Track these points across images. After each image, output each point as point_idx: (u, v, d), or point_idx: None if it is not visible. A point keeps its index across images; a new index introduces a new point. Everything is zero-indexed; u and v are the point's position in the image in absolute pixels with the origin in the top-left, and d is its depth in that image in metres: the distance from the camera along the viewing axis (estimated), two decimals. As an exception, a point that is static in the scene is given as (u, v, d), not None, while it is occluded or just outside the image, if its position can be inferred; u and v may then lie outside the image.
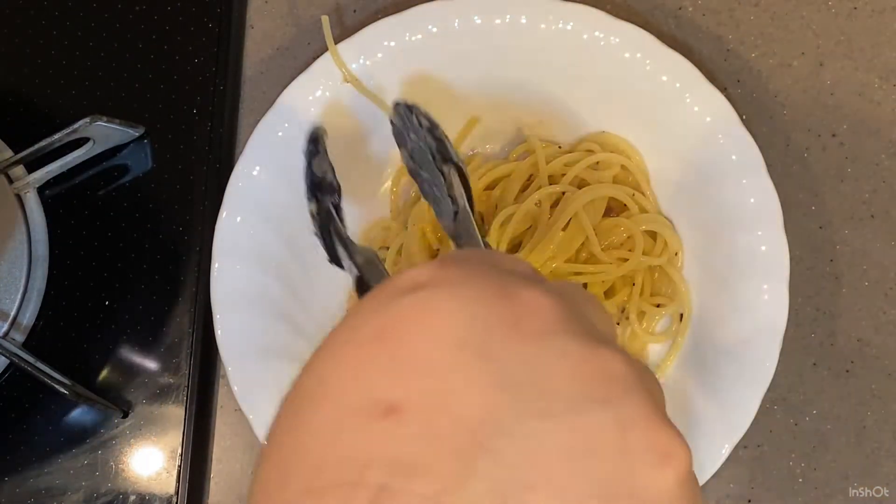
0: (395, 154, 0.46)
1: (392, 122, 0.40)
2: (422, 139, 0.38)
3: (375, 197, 0.47)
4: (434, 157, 0.38)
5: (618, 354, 0.22)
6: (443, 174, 0.37)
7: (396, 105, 0.41)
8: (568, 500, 0.19)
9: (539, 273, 0.26)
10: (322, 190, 0.38)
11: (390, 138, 0.45)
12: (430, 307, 0.21)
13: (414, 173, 0.40)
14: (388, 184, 0.47)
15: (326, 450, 0.20)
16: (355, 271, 0.36)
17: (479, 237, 0.36)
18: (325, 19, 0.43)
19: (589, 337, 0.22)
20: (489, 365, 0.20)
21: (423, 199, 0.46)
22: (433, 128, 0.39)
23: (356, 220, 0.47)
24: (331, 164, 0.40)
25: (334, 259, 0.38)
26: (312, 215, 0.39)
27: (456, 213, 0.37)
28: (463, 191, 0.37)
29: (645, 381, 0.22)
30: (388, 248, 0.46)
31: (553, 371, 0.21)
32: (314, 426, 0.21)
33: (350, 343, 0.22)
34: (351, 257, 0.37)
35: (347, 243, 0.37)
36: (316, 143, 0.40)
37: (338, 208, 0.38)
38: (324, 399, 0.21)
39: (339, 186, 0.39)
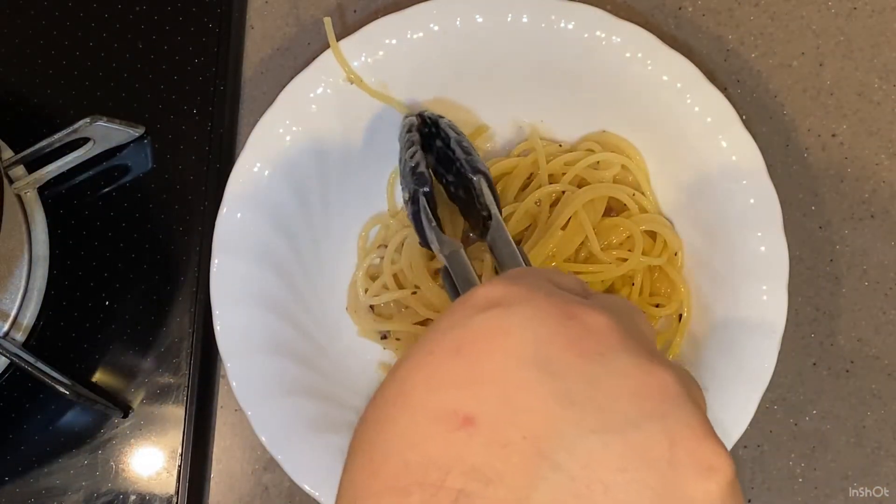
0: (394, 152, 0.46)
1: (418, 130, 0.43)
2: (450, 148, 0.41)
3: (375, 194, 0.47)
4: (463, 167, 0.40)
5: (670, 371, 0.24)
6: (472, 182, 0.40)
7: (421, 115, 0.43)
8: None
9: (590, 288, 0.29)
10: (413, 178, 0.40)
11: (390, 136, 0.46)
12: (502, 326, 0.24)
13: (440, 176, 0.43)
14: (386, 182, 0.47)
15: (410, 452, 0.22)
16: (443, 260, 0.38)
17: (514, 243, 0.38)
18: (327, 21, 0.43)
19: (643, 354, 0.24)
20: (554, 383, 0.23)
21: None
22: (461, 139, 0.41)
23: (356, 216, 0.47)
24: (424, 155, 0.41)
25: (424, 243, 0.40)
26: (405, 201, 0.41)
27: (487, 219, 0.39)
28: (493, 198, 0.39)
29: (692, 392, 0.24)
30: (386, 247, 0.46)
31: (612, 389, 0.23)
32: (399, 429, 0.23)
33: (432, 355, 0.24)
34: (439, 246, 0.39)
35: (436, 233, 0.39)
36: (409, 132, 0.42)
37: (428, 198, 0.40)
38: (407, 405, 0.23)
39: (432, 177, 0.41)
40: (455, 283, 0.38)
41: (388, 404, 0.24)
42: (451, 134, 0.41)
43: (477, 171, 0.40)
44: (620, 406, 0.23)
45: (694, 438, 0.23)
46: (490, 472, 0.21)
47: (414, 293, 0.45)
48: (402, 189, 0.41)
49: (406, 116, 0.43)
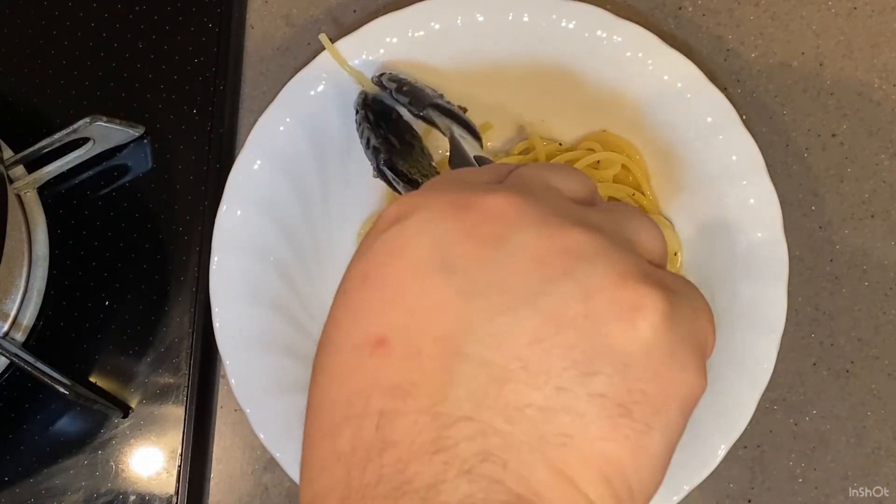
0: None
1: (364, 106, 0.44)
2: (401, 94, 0.43)
3: (375, 192, 0.47)
4: (413, 113, 0.43)
5: (575, 227, 0.22)
6: (426, 120, 0.43)
7: (372, 79, 0.44)
8: (544, 380, 0.20)
9: (512, 168, 0.27)
10: (372, 155, 0.42)
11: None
12: (399, 241, 0.23)
13: (426, 121, 0.44)
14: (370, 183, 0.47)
15: (336, 391, 0.22)
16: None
17: (465, 150, 0.39)
18: (323, 38, 0.43)
19: (548, 221, 0.22)
20: (455, 279, 0.21)
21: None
22: (399, 86, 0.43)
23: (356, 214, 0.47)
24: (371, 130, 0.43)
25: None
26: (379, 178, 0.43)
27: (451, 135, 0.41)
28: (448, 120, 0.41)
29: (619, 239, 0.23)
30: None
31: (513, 266, 0.22)
32: (327, 373, 0.23)
33: (344, 291, 0.24)
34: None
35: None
36: (357, 114, 0.43)
37: (390, 164, 0.42)
38: (330, 347, 0.23)
39: (383, 146, 0.42)
40: None
41: (320, 350, 0.24)
42: (390, 84, 0.43)
43: (425, 106, 0.42)
44: (523, 280, 0.21)
45: (610, 285, 0.21)
46: (407, 385, 0.21)
47: None
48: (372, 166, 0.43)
49: (358, 95, 0.44)
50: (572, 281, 0.21)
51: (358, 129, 0.43)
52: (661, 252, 0.25)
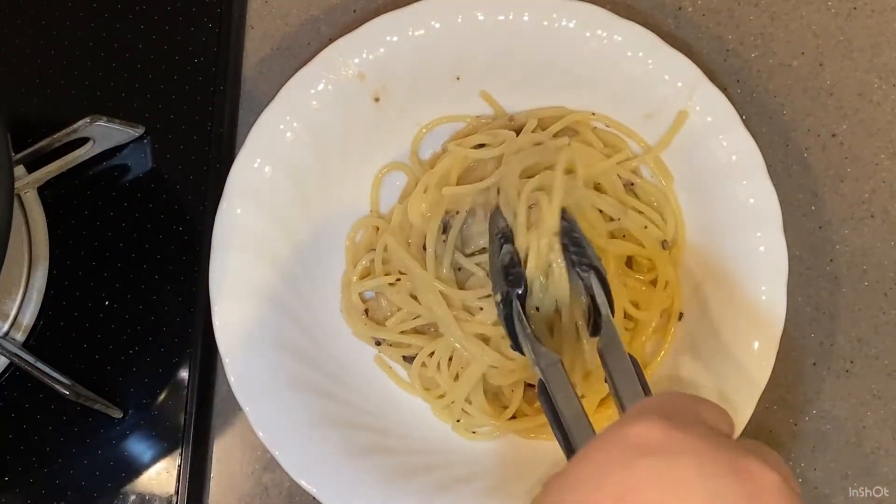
0: (394, 149, 0.46)
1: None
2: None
3: (363, 194, 0.47)
4: (573, 261, 0.38)
5: None
6: (581, 279, 0.38)
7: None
8: None
9: (731, 420, 0.29)
10: (507, 278, 0.38)
11: (392, 132, 0.46)
12: (670, 477, 0.23)
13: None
14: (370, 182, 0.47)
15: None
16: (539, 373, 0.35)
17: (622, 345, 0.36)
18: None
19: None
20: None
21: (413, 197, 0.45)
22: (572, 229, 0.39)
23: (356, 213, 0.47)
24: (517, 255, 0.38)
25: (517, 347, 0.38)
26: (496, 302, 0.39)
27: (598, 316, 0.37)
28: (605, 298, 0.37)
29: None
30: (374, 249, 0.45)
31: None
32: None
33: (592, 495, 0.23)
34: (535, 358, 0.36)
35: (531, 342, 0.36)
36: (504, 225, 0.40)
37: (523, 301, 0.37)
38: None
39: (526, 280, 0.38)
40: (552, 399, 0.35)
41: None
42: (565, 225, 0.39)
43: (589, 267, 0.38)
44: None
45: None
46: None
47: (399, 280, 0.44)
48: (493, 289, 0.39)
49: (497, 206, 0.40)
50: None
51: (498, 244, 0.39)
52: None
